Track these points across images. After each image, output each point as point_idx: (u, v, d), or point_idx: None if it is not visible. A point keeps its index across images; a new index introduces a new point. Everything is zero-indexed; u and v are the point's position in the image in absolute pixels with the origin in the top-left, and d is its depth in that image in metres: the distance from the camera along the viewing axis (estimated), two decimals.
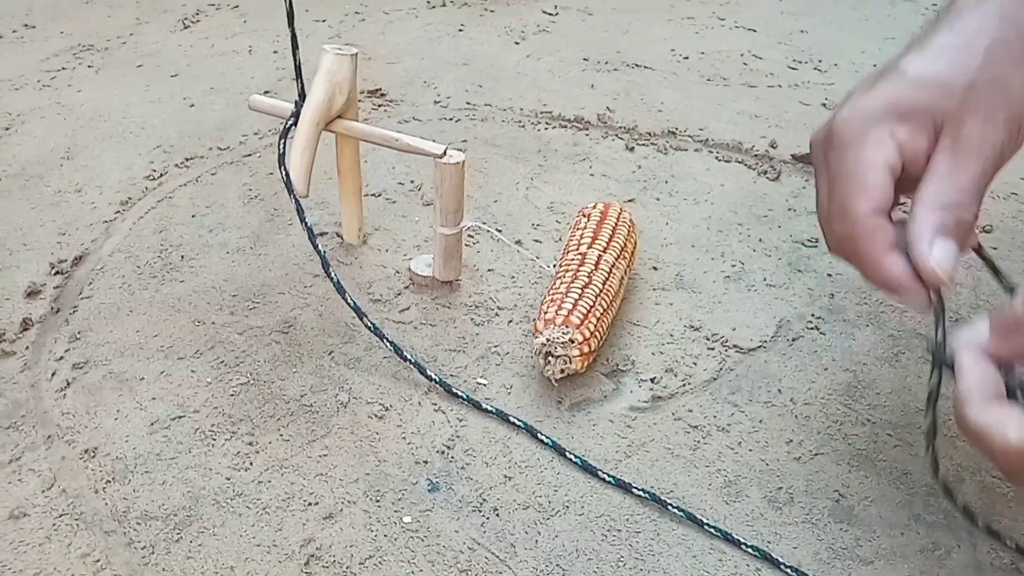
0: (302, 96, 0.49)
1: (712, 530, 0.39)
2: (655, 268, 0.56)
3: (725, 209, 0.62)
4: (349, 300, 0.46)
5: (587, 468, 0.41)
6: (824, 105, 0.79)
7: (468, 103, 0.77)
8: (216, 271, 0.54)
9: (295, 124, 0.48)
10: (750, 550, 0.38)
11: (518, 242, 0.58)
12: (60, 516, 0.39)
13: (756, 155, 0.70)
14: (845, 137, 0.37)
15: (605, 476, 0.41)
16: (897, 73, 0.37)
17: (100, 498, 0.40)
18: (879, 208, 0.36)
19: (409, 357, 0.45)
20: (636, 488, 0.40)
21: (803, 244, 0.59)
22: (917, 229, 0.36)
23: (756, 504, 0.40)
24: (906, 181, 0.37)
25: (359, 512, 0.39)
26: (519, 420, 0.43)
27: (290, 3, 0.46)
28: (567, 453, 0.42)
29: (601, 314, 0.46)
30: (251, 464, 0.41)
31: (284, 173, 0.46)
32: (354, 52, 0.48)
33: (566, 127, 0.74)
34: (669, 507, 0.40)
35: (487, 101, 0.77)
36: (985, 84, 0.36)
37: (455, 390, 0.45)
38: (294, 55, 0.48)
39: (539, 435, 0.43)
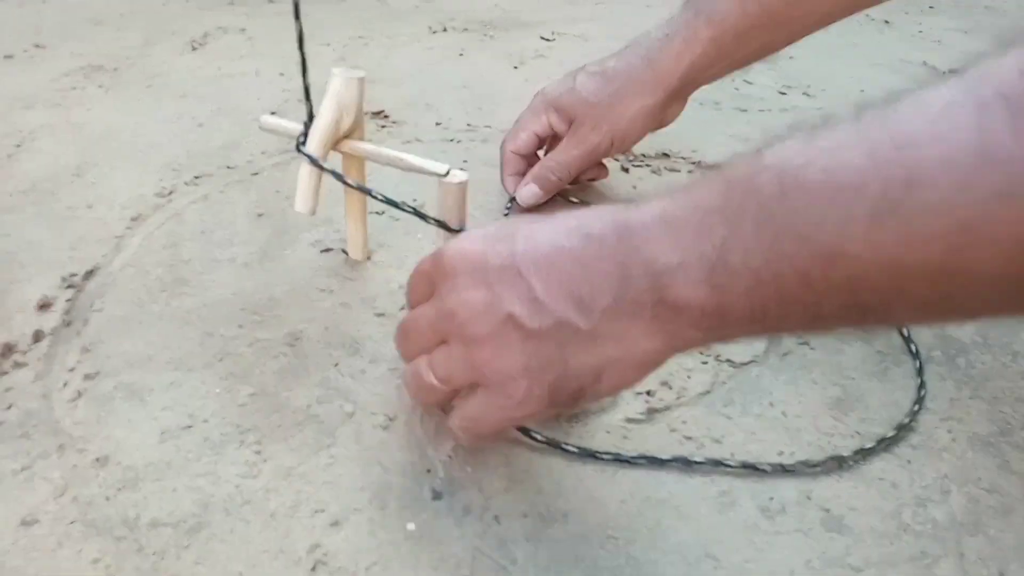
0: (310, 117, 0.51)
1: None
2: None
3: None
4: (326, 167, 0.48)
5: (585, 453, 0.44)
6: None
7: (468, 124, 0.79)
8: (225, 285, 0.56)
9: (304, 144, 0.50)
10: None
11: None
12: (71, 523, 0.40)
13: None
14: (531, 106, 0.64)
15: (603, 456, 0.44)
16: (572, 82, 0.60)
17: (111, 505, 0.41)
18: (518, 150, 0.64)
19: (431, 218, 0.49)
20: (631, 458, 0.44)
21: None
22: (529, 173, 0.63)
23: (749, 513, 0.42)
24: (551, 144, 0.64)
25: (364, 519, 0.40)
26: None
27: (300, 27, 0.48)
28: (563, 445, 0.44)
29: None
30: (259, 472, 0.42)
31: (312, 160, 0.49)
32: (362, 75, 0.50)
33: None
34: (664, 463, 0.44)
35: (487, 123, 0.80)
36: (604, 105, 0.58)
37: None
38: (304, 77, 0.49)
39: (533, 434, 0.44)
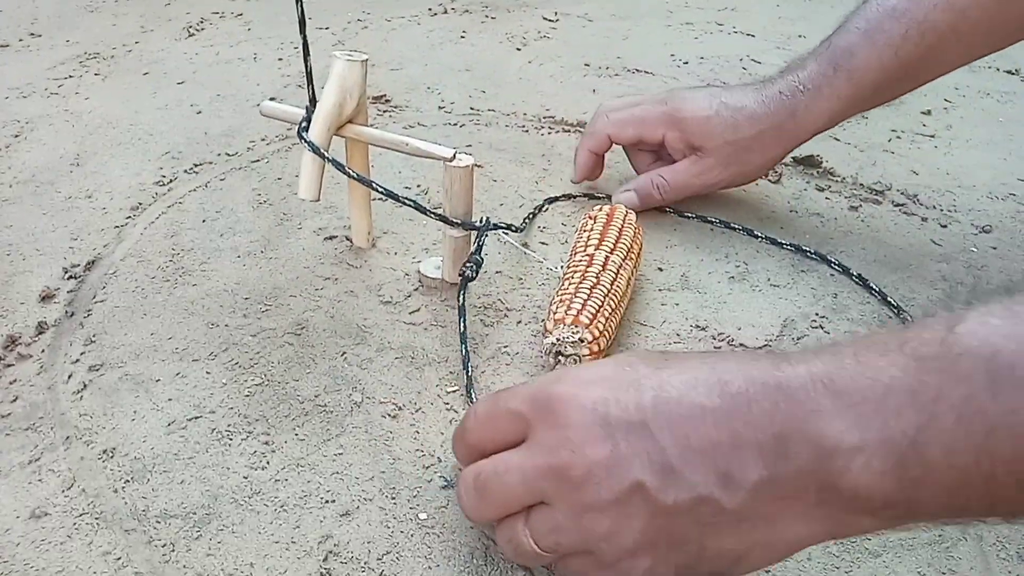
0: (313, 102, 0.50)
1: None
2: (660, 269, 0.57)
3: (727, 211, 0.63)
4: (327, 156, 0.47)
5: None
6: None
7: (472, 108, 0.78)
8: (228, 275, 0.55)
9: (306, 129, 0.49)
10: None
11: (525, 244, 0.59)
12: (80, 515, 0.39)
13: None
14: (651, 109, 0.60)
15: None
16: (710, 109, 0.57)
17: (119, 497, 0.40)
18: (617, 139, 0.62)
19: (431, 211, 0.49)
20: None
21: (806, 251, 0.60)
22: (634, 181, 0.62)
23: None
24: (655, 155, 0.63)
25: (375, 509, 0.40)
26: None
27: (302, 11, 0.46)
28: None
29: (610, 314, 0.47)
30: (268, 463, 0.42)
31: (313, 148, 0.47)
32: (364, 58, 0.49)
33: (569, 131, 0.75)
34: None
35: (490, 106, 0.78)
36: (741, 147, 0.57)
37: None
38: (305, 62, 0.48)
39: None
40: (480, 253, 0.51)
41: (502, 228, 0.55)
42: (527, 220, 0.60)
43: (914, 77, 0.55)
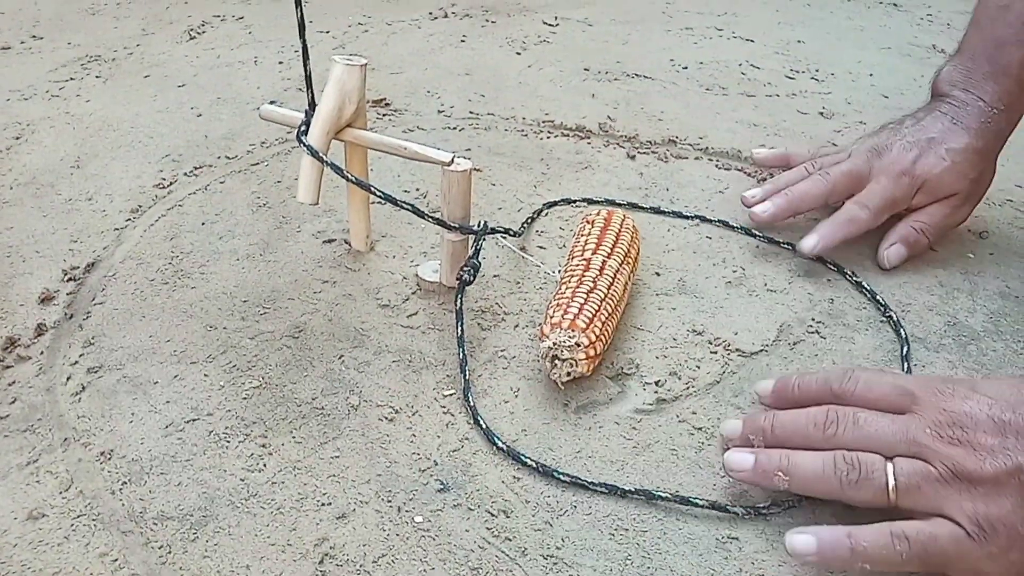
0: (312, 106, 0.50)
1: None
2: (657, 274, 0.57)
3: (726, 216, 0.63)
4: (326, 160, 0.48)
5: (544, 471, 0.42)
6: (821, 114, 0.81)
7: (471, 112, 0.78)
8: (226, 277, 0.55)
9: (305, 133, 0.49)
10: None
11: (523, 249, 0.59)
12: (78, 517, 0.39)
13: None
14: (898, 175, 0.58)
15: (562, 477, 0.41)
16: (945, 158, 0.57)
17: (117, 499, 0.40)
18: (866, 228, 0.58)
19: (429, 214, 0.49)
20: (626, 490, 0.41)
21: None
22: (899, 233, 0.59)
23: (760, 503, 0.41)
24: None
25: (371, 512, 0.40)
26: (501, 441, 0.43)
27: (302, 15, 0.47)
28: (556, 473, 0.42)
29: (606, 318, 0.47)
30: (265, 466, 0.42)
31: (312, 152, 0.48)
32: (363, 63, 0.50)
33: (568, 136, 0.75)
34: (659, 499, 0.41)
35: (490, 110, 0.79)
36: (976, 182, 0.59)
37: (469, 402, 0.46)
38: (305, 66, 0.49)
39: (523, 456, 0.43)
40: (478, 257, 0.51)
41: (500, 232, 0.55)
42: (525, 224, 0.61)
43: None
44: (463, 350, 0.48)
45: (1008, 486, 0.34)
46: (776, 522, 0.40)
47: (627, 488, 0.41)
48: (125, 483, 0.41)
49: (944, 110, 0.59)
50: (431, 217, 0.50)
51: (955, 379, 0.39)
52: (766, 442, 0.41)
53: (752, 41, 0.98)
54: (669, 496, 0.41)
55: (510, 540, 0.39)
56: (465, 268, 0.51)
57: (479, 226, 0.51)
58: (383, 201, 0.50)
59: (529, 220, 0.61)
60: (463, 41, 0.95)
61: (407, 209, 0.50)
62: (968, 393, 0.37)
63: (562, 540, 0.39)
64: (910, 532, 0.35)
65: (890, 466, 0.37)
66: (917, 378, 0.40)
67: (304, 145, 0.48)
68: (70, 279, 0.55)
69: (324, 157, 0.48)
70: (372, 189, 0.50)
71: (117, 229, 0.60)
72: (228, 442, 0.43)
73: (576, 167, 0.70)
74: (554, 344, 0.45)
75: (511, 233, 0.56)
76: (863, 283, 0.56)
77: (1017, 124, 0.59)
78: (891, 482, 0.37)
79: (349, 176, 0.50)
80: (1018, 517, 0.34)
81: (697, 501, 0.41)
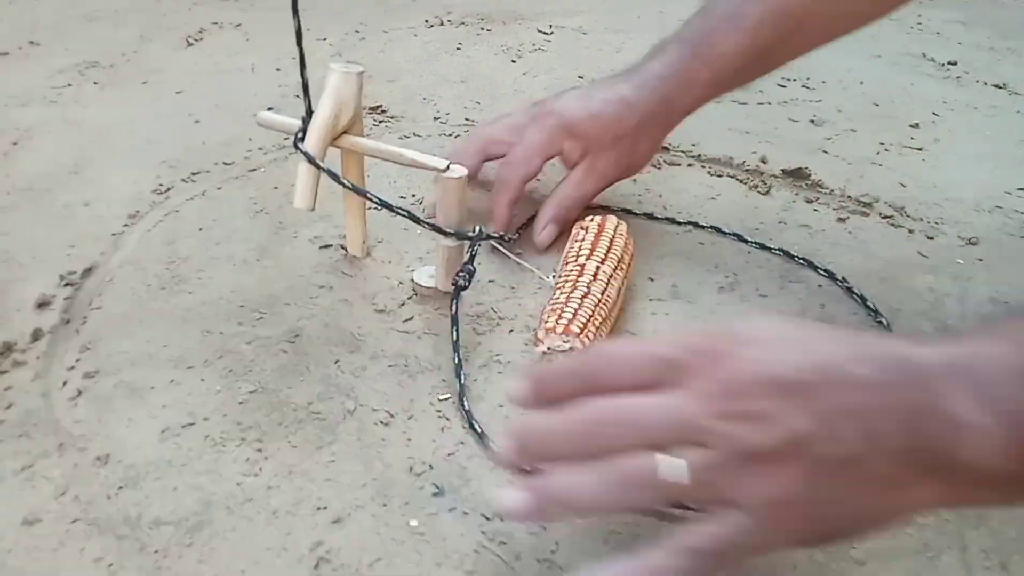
0: (309, 113, 0.50)
1: None
2: (651, 279, 0.58)
3: (718, 222, 0.64)
4: (323, 166, 0.48)
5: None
6: (812, 121, 0.82)
7: (467, 119, 0.79)
8: (223, 283, 0.55)
9: (303, 140, 0.50)
10: None
11: (518, 254, 0.59)
12: (73, 522, 0.40)
13: (747, 170, 0.72)
14: (541, 127, 0.58)
15: None
16: (587, 105, 0.57)
17: (112, 504, 0.40)
18: (526, 177, 0.59)
19: (424, 220, 0.50)
20: None
21: (794, 256, 0.60)
22: (542, 213, 0.59)
23: None
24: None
25: (367, 516, 0.40)
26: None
27: (299, 23, 0.47)
28: None
29: (600, 323, 0.48)
30: (260, 470, 0.42)
31: (309, 158, 0.48)
32: (360, 70, 0.50)
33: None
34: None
35: (485, 117, 0.79)
36: (628, 139, 0.57)
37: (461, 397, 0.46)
38: (302, 73, 0.49)
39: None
40: (473, 263, 0.51)
41: (495, 238, 0.55)
42: (520, 230, 0.61)
43: (774, 60, 0.57)
44: (458, 355, 0.48)
45: (792, 456, 0.30)
46: None
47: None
48: (121, 488, 0.41)
49: (619, 72, 0.59)
50: (426, 223, 0.50)
51: (717, 333, 0.34)
52: (533, 463, 0.35)
53: None
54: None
55: (505, 544, 0.39)
56: (460, 274, 0.51)
57: (474, 232, 0.52)
58: (379, 207, 0.50)
59: (523, 226, 0.62)
60: (459, 49, 0.96)
61: (402, 215, 0.50)
62: (737, 351, 0.32)
63: (556, 544, 0.39)
64: (697, 543, 0.32)
65: (671, 463, 0.31)
66: (674, 340, 0.34)
67: (301, 152, 0.48)
68: (67, 284, 0.55)
69: (321, 164, 0.48)
70: (368, 195, 0.51)
71: (114, 234, 0.60)
72: (224, 447, 0.44)
73: None
74: (549, 349, 0.45)
75: (505, 238, 0.56)
76: (853, 288, 0.56)
77: (692, 104, 0.57)
78: (681, 480, 0.31)
79: (345, 183, 0.50)
80: (804, 489, 0.31)
81: (692, 505, 0.41)
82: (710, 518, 0.32)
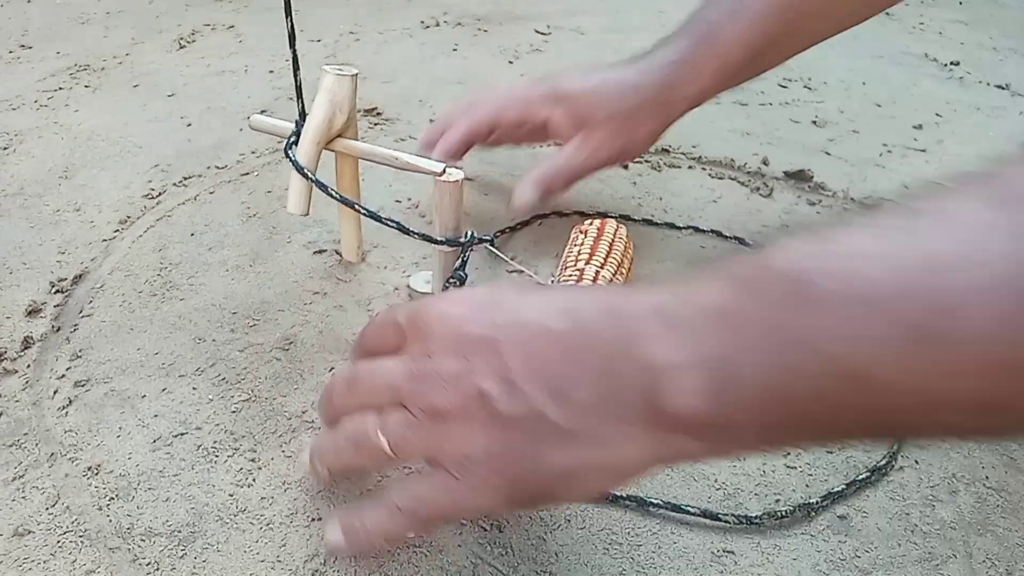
0: (302, 116, 0.50)
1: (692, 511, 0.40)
2: (652, 284, 0.57)
3: (719, 225, 0.63)
4: (311, 176, 0.48)
5: None
6: (814, 122, 0.81)
7: None
8: (216, 289, 0.55)
9: (296, 143, 0.49)
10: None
11: (514, 259, 0.59)
12: (64, 533, 0.39)
13: (749, 172, 0.71)
14: (533, 87, 0.57)
15: None
16: (588, 81, 0.55)
17: (104, 515, 0.40)
18: (494, 119, 0.57)
19: (414, 231, 0.49)
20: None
21: None
22: (535, 176, 0.56)
23: (752, 513, 0.41)
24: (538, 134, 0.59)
25: None
26: None
27: (292, 24, 0.46)
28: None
29: None
30: (254, 480, 0.42)
31: (298, 168, 0.47)
32: (354, 72, 0.49)
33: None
34: (651, 508, 0.41)
35: None
36: (625, 118, 0.55)
37: None
38: (295, 76, 0.48)
39: None
40: (464, 268, 0.51)
41: (485, 242, 0.54)
42: (500, 232, 0.60)
43: (781, 52, 0.56)
44: None
45: (477, 414, 0.31)
46: (770, 533, 0.40)
47: (619, 495, 0.41)
48: (112, 499, 0.40)
49: (628, 59, 0.57)
50: (416, 233, 0.50)
51: (435, 298, 0.36)
52: (328, 421, 0.38)
53: None
54: (660, 503, 0.41)
55: (503, 556, 0.38)
56: (451, 280, 0.50)
57: (465, 237, 0.51)
58: (368, 218, 0.49)
59: (510, 228, 0.61)
60: (455, 50, 0.95)
61: (391, 226, 0.49)
62: (438, 313, 0.33)
63: (555, 555, 0.39)
64: (403, 500, 0.33)
65: (379, 425, 0.33)
66: (412, 304, 0.36)
67: (291, 160, 0.47)
68: (57, 291, 0.54)
69: (309, 174, 0.47)
70: (356, 207, 0.50)
71: (105, 240, 0.59)
72: (217, 456, 0.43)
73: None
74: None
75: (490, 240, 0.55)
76: None
77: (698, 95, 0.56)
78: (383, 442, 0.33)
79: (334, 193, 0.49)
80: (494, 446, 0.31)
81: (688, 508, 0.40)
82: (420, 477, 0.33)
